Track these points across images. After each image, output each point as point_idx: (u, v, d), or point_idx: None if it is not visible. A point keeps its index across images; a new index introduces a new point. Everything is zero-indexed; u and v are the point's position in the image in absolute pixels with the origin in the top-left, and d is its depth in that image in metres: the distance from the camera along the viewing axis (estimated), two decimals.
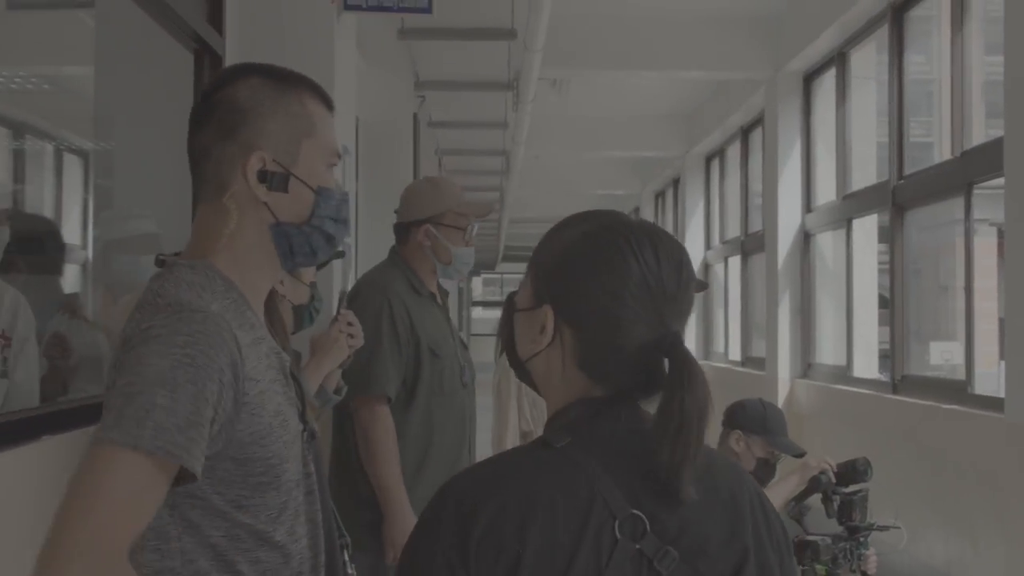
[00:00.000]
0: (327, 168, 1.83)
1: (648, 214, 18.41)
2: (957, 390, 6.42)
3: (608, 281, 1.50)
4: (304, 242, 1.80)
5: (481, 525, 1.42)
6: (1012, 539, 5.27)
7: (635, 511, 1.45)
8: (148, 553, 1.64)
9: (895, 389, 7.30)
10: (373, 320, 3.59)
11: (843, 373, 8.49)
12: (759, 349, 10.96)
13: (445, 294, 3.97)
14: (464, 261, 3.81)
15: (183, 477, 1.59)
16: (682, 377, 1.45)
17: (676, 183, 15.61)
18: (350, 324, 3.21)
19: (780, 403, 9.23)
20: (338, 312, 3.29)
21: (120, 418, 1.55)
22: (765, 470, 4.27)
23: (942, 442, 6.37)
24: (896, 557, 6.71)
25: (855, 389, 8.02)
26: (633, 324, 1.49)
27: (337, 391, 3.28)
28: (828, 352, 9.28)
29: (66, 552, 1.48)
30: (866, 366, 8.43)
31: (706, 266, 14.23)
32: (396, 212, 3.91)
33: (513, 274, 35.93)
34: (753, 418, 4.25)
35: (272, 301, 2.85)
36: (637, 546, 1.44)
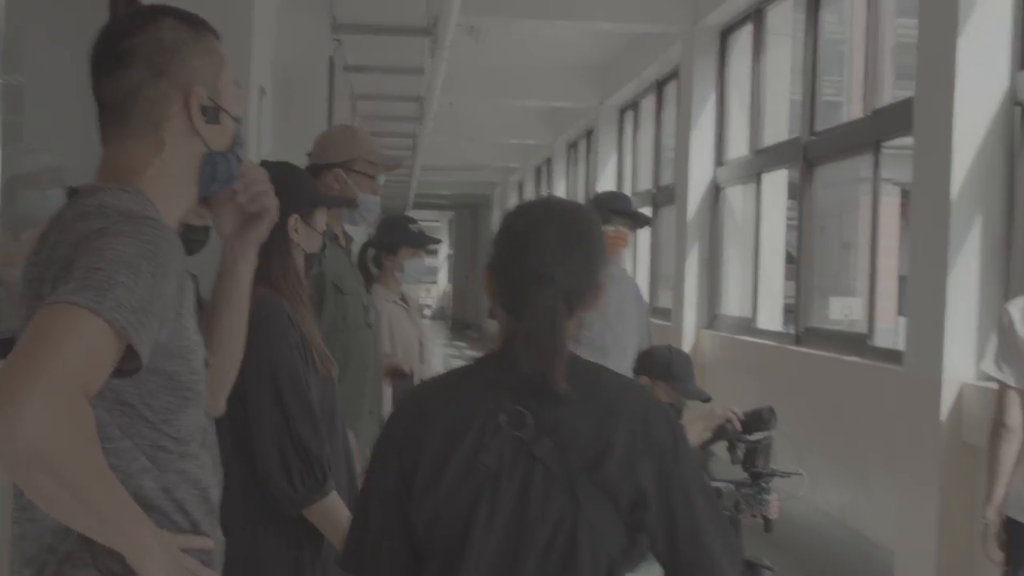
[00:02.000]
0: (233, 99, 1.99)
1: (560, 165, 18.49)
2: (858, 343, 6.60)
3: (503, 247, 2.05)
4: (226, 169, 1.97)
5: (408, 414, 2.03)
6: (903, 487, 5.46)
7: (520, 407, 1.93)
8: None
9: (798, 341, 7.48)
10: None
11: (748, 324, 8.67)
12: (666, 300, 11.12)
13: (349, 239, 4.09)
14: (370, 208, 3.99)
15: (124, 370, 1.65)
16: (527, 303, 1.95)
17: (589, 134, 15.68)
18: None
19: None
20: None
21: (81, 288, 1.59)
22: None
23: (842, 392, 6.55)
24: (795, 503, 6.91)
25: (759, 340, 8.19)
26: (518, 275, 2.00)
27: None
28: (734, 304, 9.46)
29: (27, 392, 1.50)
30: (770, 318, 8.61)
31: None
32: (309, 155, 4.01)
33: (424, 221, 35.83)
34: (659, 365, 4.35)
35: (287, 248, 3.00)
36: (517, 433, 1.92)
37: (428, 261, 36.10)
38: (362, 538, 2.02)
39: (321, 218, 3.20)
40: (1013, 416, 3.61)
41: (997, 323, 3.70)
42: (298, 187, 3.14)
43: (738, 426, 4.24)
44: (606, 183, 14.38)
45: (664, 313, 10.88)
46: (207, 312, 2.17)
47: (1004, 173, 5.04)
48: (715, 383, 9.02)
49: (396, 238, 5.09)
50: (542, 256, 1.99)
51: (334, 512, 2.90)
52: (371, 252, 5.09)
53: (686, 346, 9.49)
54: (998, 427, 3.66)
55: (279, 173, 3.12)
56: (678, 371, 4.36)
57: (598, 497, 1.89)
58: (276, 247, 2.99)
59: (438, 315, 36.58)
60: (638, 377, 4.39)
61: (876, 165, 6.47)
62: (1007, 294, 5.01)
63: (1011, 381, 3.60)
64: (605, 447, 1.90)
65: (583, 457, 1.90)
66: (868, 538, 6.21)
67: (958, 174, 5.05)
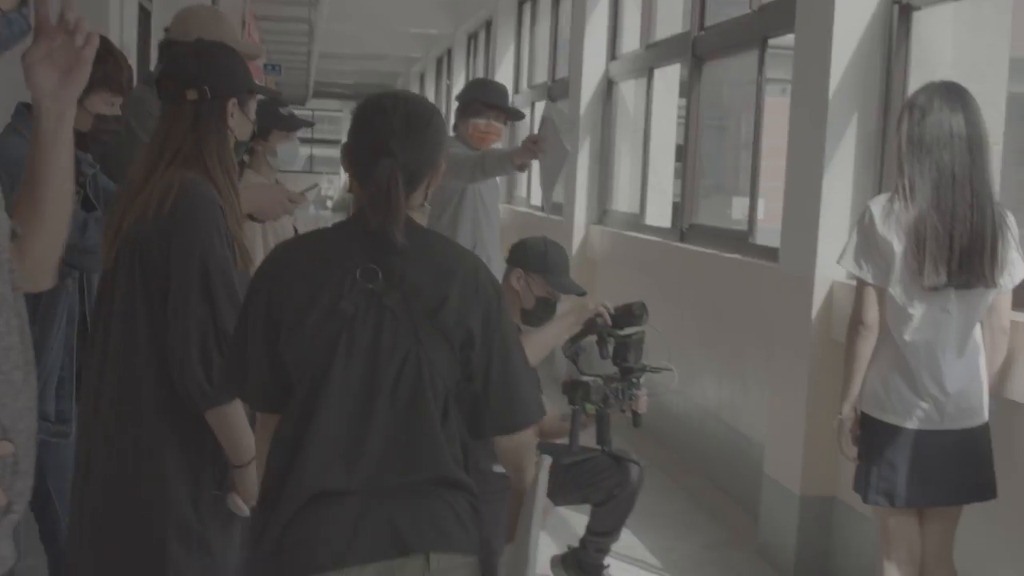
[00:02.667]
0: None
1: (460, 56, 18.23)
2: (739, 240, 6.63)
3: (355, 129, 2.44)
4: (19, 25, 1.90)
5: (278, 264, 2.42)
6: (776, 383, 5.54)
7: (372, 265, 2.31)
8: None
9: (682, 237, 7.50)
10: None
11: (636, 221, 8.67)
12: (559, 195, 11.08)
13: None
14: None
15: None
16: (371, 173, 2.33)
17: (489, 25, 15.45)
18: None
19: (574, 248, 9.41)
20: None
21: None
22: (544, 308, 4.34)
23: (722, 290, 6.59)
24: (672, 399, 7.00)
25: (646, 236, 8.20)
26: (366, 151, 2.39)
27: None
28: (624, 200, 9.45)
29: None
30: (659, 215, 8.62)
31: None
32: (166, 30, 3.92)
33: (323, 110, 35.25)
34: (533, 257, 4.31)
35: (225, 134, 2.95)
36: (370, 286, 2.30)
37: (327, 151, 35.58)
38: (239, 366, 2.40)
39: (253, 106, 3.12)
40: (870, 313, 3.62)
41: (858, 220, 3.69)
42: (237, 71, 3.05)
43: (608, 320, 4.24)
44: (504, 75, 14.22)
45: (557, 208, 10.85)
46: (26, 179, 2.05)
47: (881, 72, 5.04)
48: (603, 278, 9.06)
49: (266, 122, 4.96)
50: (386, 136, 2.35)
51: (236, 422, 2.80)
52: None
53: (576, 241, 9.51)
54: (856, 324, 3.65)
55: (218, 54, 3.03)
56: (553, 264, 4.32)
57: (436, 338, 2.31)
58: (213, 131, 2.92)
59: (339, 206, 36.23)
60: (512, 269, 4.35)
61: (761, 62, 6.44)
62: (879, 194, 5.04)
63: (869, 278, 3.60)
64: (443, 299, 2.31)
65: (425, 306, 2.31)
66: (743, 433, 6.31)
67: (836, 72, 5.03)
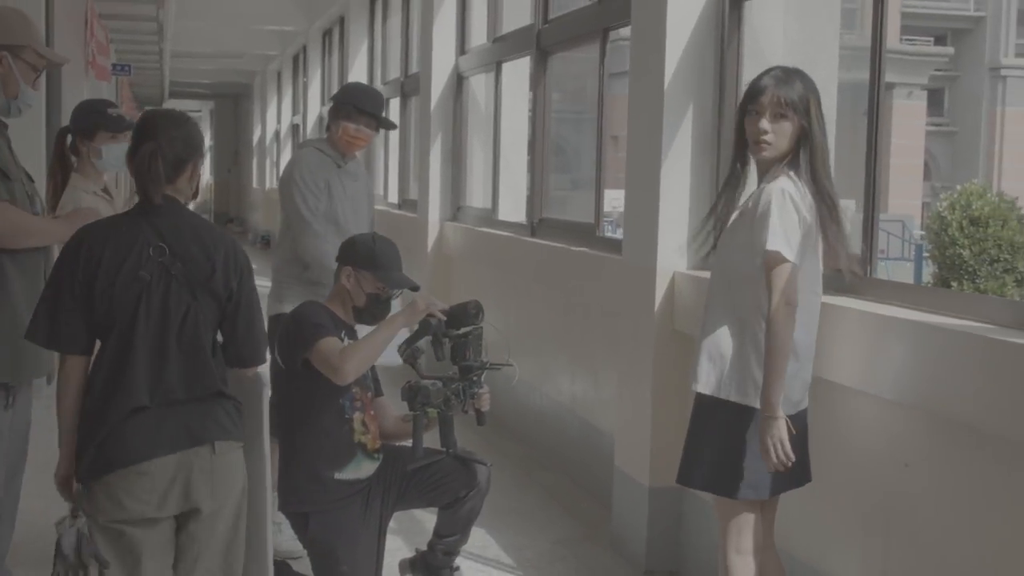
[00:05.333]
0: None
1: (316, 53, 18.01)
2: (587, 233, 6.63)
3: (136, 130, 3.37)
4: None
5: (89, 238, 3.23)
6: (625, 374, 5.54)
7: (161, 243, 3.21)
8: None
9: (533, 232, 7.48)
10: None
11: (489, 216, 8.63)
12: (413, 192, 11.00)
13: (4, 126, 3.92)
14: (27, 102, 3.89)
15: None
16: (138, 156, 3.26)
17: (342, 21, 15.28)
18: None
19: (429, 246, 9.35)
20: None
21: None
22: (377, 305, 4.25)
23: (572, 283, 6.59)
24: (526, 394, 6.98)
25: (498, 232, 8.16)
26: (139, 144, 3.30)
27: None
28: (478, 195, 9.41)
29: None
30: (512, 210, 8.59)
31: None
32: None
33: (185, 111, 34.55)
34: (362, 254, 4.23)
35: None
36: (160, 260, 3.20)
37: None
38: (50, 318, 3.23)
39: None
40: (796, 295, 3.42)
41: (775, 204, 3.47)
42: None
43: (443, 320, 4.17)
44: (358, 72, 14.08)
45: (413, 205, 10.77)
46: None
47: (715, 62, 5.06)
48: (459, 275, 9.01)
49: (93, 121, 4.81)
50: (150, 128, 3.29)
51: None
52: (69, 139, 4.81)
53: (431, 238, 9.44)
54: (785, 306, 3.38)
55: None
56: (383, 260, 4.24)
57: (208, 297, 3.26)
58: None
59: (200, 208, 35.59)
60: (341, 267, 4.26)
61: (603, 54, 6.44)
62: (716, 184, 5.06)
63: (797, 259, 3.40)
64: (212, 269, 3.24)
65: (200, 274, 3.24)
66: (595, 426, 6.31)
67: (671, 63, 5.04)
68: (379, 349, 4.03)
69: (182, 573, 3.31)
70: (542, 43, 7.43)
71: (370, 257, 4.20)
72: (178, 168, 3.29)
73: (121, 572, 3.21)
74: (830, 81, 4.95)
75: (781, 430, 3.37)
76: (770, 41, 5.07)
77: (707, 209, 5.06)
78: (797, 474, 3.58)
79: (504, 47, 8.41)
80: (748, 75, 4.99)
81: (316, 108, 18.23)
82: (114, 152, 4.78)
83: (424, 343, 4.22)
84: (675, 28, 5.03)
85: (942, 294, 4.42)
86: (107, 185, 5.06)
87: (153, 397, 3.19)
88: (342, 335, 4.14)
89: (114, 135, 4.84)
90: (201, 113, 37.75)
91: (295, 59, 21.23)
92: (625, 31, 6.40)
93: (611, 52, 6.56)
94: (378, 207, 12.87)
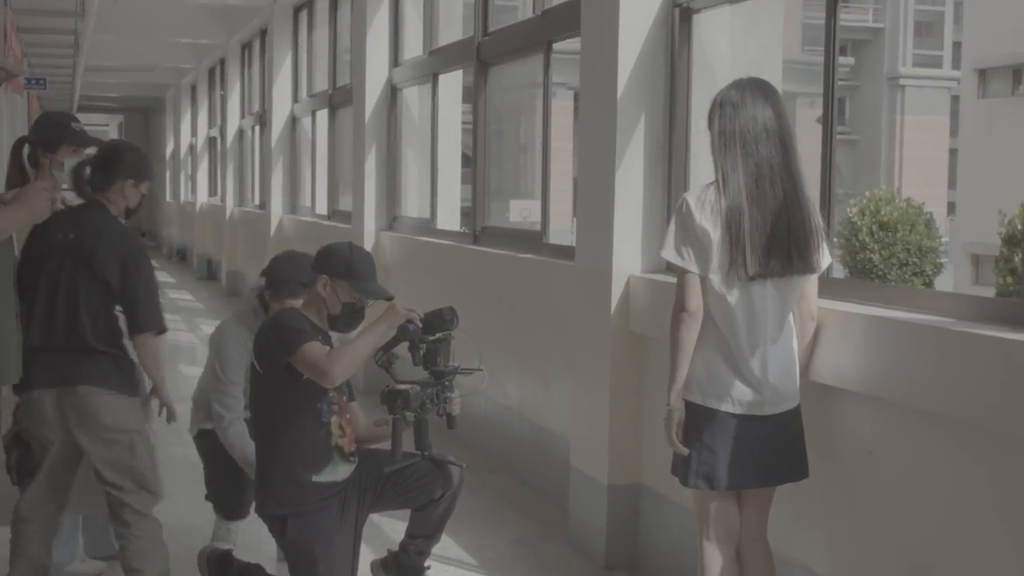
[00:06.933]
0: None
1: (235, 66, 17.92)
2: (534, 240, 6.77)
3: None
4: None
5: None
6: (577, 377, 5.69)
7: (70, 232, 4.36)
8: None
9: (476, 240, 7.60)
10: None
11: (427, 225, 8.74)
12: (346, 203, 11.05)
13: None
14: None
15: None
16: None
17: (264, 34, 15.26)
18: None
19: None
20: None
21: None
22: (352, 314, 4.34)
23: (518, 289, 6.72)
24: (475, 400, 7.08)
25: (438, 240, 8.27)
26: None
27: None
28: (413, 206, 9.51)
29: None
30: (449, 219, 8.71)
31: (293, 119, 14.09)
32: None
33: (89, 125, 34.01)
34: (338, 263, 4.30)
35: None
36: (67, 243, 4.32)
37: None
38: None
39: None
40: (693, 301, 3.63)
41: (675, 212, 3.71)
42: None
43: (419, 326, 4.27)
44: (282, 84, 14.08)
45: (344, 216, 10.83)
46: None
47: (665, 72, 5.24)
48: (396, 283, 9.06)
49: (56, 134, 4.80)
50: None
51: None
52: (27, 149, 4.79)
53: (367, 248, 9.49)
54: (679, 312, 3.65)
55: None
56: (359, 270, 4.32)
57: (90, 274, 4.30)
58: None
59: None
60: (318, 276, 4.33)
61: (547, 66, 6.58)
62: (668, 190, 5.24)
63: (692, 267, 3.63)
64: (95, 250, 4.28)
65: (98, 265, 4.29)
66: (547, 428, 6.45)
67: (623, 73, 5.21)
68: (366, 353, 4.12)
69: (76, 480, 4.58)
70: (482, 55, 7.56)
71: (347, 267, 4.28)
72: (104, 182, 4.51)
73: (42, 473, 4.48)
74: None
75: (669, 421, 3.72)
76: (717, 52, 5.26)
77: (661, 214, 5.27)
78: (761, 473, 3.76)
79: (442, 59, 8.53)
80: (697, 85, 5.20)
81: (235, 121, 18.15)
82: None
83: (400, 349, 4.32)
84: (627, 39, 5.20)
85: (899, 291, 4.66)
86: (65, 198, 5.07)
87: (44, 340, 4.32)
88: (319, 340, 4.22)
89: (76, 149, 4.86)
90: (108, 127, 37.22)
91: (211, 72, 21.08)
92: (561, 44, 6.59)
93: (534, 63, 6.71)
94: (305, 218, 12.92)
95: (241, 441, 4.86)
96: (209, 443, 5.06)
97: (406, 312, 4.18)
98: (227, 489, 5.11)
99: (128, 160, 4.57)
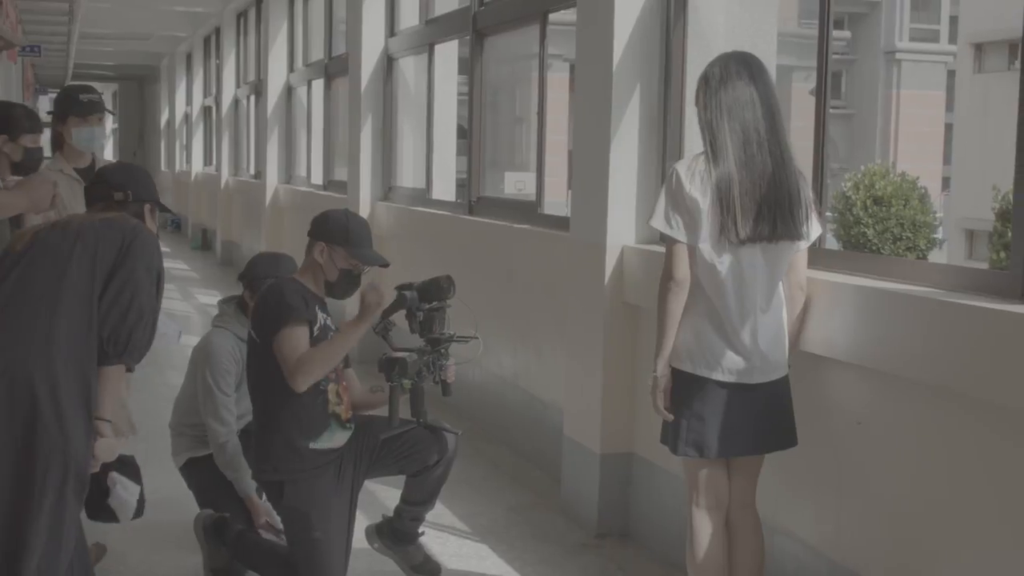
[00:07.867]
0: None
1: (230, 35, 17.88)
2: (528, 211, 6.80)
3: None
4: None
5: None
6: (570, 347, 5.73)
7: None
8: None
9: (471, 210, 7.63)
10: None
11: (422, 196, 8.77)
12: (341, 173, 11.07)
13: None
14: None
15: None
16: None
17: (259, 2, 15.22)
18: None
19: None
20: None
21: None
22: (348, 280, 4.38)
23: (513, 259, 6.76)
24: (469, 369, 7.13)
25: (434, 211, 8.31)
26: None
27: None
28: (409, 176, 9.53)
29: None
30: (444, 190, 8.74)
31: (289, 89, 14.08)
32: None
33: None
34: (335, 230, 4.34)
35: None
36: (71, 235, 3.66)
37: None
38: None
39: None
40: (681, 270, 3.68)
41: (665, 182, 3.78)
42: None
43: (417, 296, 4.32)
44: (278, 54, 14.07)
45: (340, 186, 10.85)
46: None
47: (661, 45, 5.26)
48: (392, 254, 9.05)
49: (63, 108, 5.17)
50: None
51: None
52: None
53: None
54: (667, 281, 3.70)
55: None
56: (355, 237, 4.36)
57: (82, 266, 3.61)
58: None
59: None
60: (315, 242, 4.36)
61: (543, 36, 6.60)
62: (663, 161, 5.27)
63: (681, 236, 3.67)
64: (76, 243, 3.64)
65: (60, 259, 3.63)
66: (540, 398, 6.50)
67: (619, 45, 5.23)
68: (335, 360, 4.21)
69: None
70: (479, 25, 7.57)
71: (344, 234, 4.32)
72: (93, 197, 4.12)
73: None
74: (768, 64, 5.17)
75: (655, 388, 3.80)
76: (713, 25, 5.28)
77: (655, 186, 5.30)
78: (751, 441, 3.82)
79: (438, 29, 8.54)
80: (692, 57, 5.22)
81: (231, 90, 18.12)
82: (83, 134, 5.17)
83: (398, 316, 4.37)
84: (623, 11, 5.22)
85: (889, 262, 4.69)
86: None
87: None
88: (315, 309, 4.26)
89: (84, 118, 5.17)
90: (104, 96, 37.15)
91: (207, 41, 21.02)
92: (557, 15, 6.61)
93: (530, 35, 6.72)
94: (301, 188, 12.93)
95: (239, 460, 4.82)
96: (198, 471, 5.03)
97: (379, 301, 4.19)
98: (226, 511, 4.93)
99: None
